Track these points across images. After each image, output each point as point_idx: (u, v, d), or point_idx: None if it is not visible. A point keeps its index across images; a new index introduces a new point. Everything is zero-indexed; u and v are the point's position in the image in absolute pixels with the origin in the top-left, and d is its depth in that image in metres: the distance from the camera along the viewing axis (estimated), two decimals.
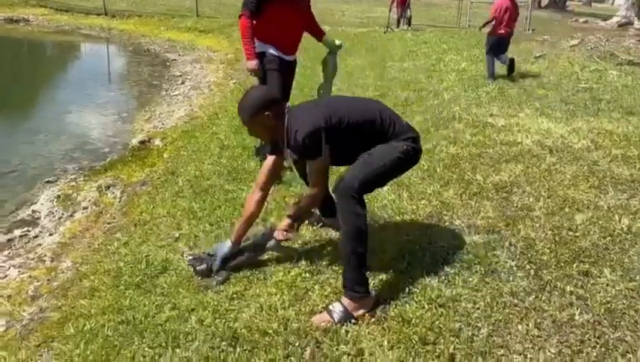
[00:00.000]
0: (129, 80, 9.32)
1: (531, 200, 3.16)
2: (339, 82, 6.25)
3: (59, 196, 4.11)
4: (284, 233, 2.40)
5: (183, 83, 8.90)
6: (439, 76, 7.28)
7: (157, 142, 5.33)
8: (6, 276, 2.96)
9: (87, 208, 3.91)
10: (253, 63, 3.54)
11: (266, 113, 2.21)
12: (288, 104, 2.50)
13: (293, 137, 2.17)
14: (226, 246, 2.47)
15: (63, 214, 3.87)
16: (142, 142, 5.41)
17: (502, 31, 6.99)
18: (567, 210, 2.99)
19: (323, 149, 2.16)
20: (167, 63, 10.73)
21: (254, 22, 3.49)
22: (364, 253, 2.18)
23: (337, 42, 3.78)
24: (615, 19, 15.12)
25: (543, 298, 2.16)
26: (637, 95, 5.90)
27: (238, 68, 9.25)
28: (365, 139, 2.26)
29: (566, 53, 8.85)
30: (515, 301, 2.14)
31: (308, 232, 2.83)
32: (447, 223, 2.94)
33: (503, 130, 4.65)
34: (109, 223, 3.51)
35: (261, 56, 3.56)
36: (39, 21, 14.59)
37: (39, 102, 7.82)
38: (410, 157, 2.33)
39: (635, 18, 14.21)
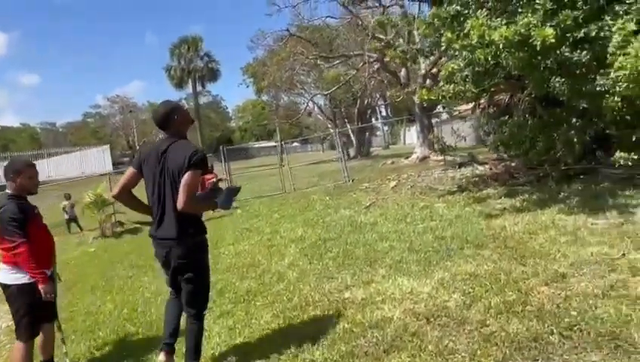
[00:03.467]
0: None
1: None
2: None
3: None
4: None
5: None
6: (279, 251, 6.59)
7: None
8: None
9: None
10: (50, 287, 3.52)
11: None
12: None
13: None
14: None
15: None
16: None
17: None
18: None
19: None
20: None
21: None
22: None
23: None
24: (415, 155, 17.02)
25: None
26: (472, 224, 5.88)
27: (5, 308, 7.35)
28: None
29: (390, 196, 9.10)
30: None
31: None
32: None
33: (365, 306, 3.90)
34: None
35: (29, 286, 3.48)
36: None
37: None
38: None
39: (430, 152, 16.12)
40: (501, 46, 4.70)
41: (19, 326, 3.57)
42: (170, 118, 3.09)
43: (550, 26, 4.53)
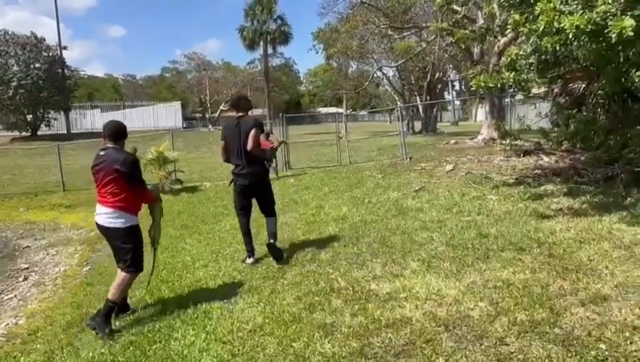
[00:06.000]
0: None
1: None
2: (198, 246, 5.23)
3: None
4: None
5: (25, 279, 7.35)
6: (318, 229, 6.57)
7: None
8: None
9: None
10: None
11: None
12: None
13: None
14: None
15: None
16: None
17: None
18: None
19: None
20: (16, 253, 9.11)
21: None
22: None
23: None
24: (480, 137, 16.25)
25: None
26: (520, 223, 5.53)
27: (99, 248, 8.02)
28: None
29: (444, 181, 8.76)
30: None
31: None
32: None
33: (388, 301, 3.81)
34: None
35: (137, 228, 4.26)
36: None
37: None
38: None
39: (497, 135, 15.29)
40: (571, 35, 4.24)
41: (131, 260, 4.15)
42: (241, 102, 5.31)
43: (631, 16, 4.00)
